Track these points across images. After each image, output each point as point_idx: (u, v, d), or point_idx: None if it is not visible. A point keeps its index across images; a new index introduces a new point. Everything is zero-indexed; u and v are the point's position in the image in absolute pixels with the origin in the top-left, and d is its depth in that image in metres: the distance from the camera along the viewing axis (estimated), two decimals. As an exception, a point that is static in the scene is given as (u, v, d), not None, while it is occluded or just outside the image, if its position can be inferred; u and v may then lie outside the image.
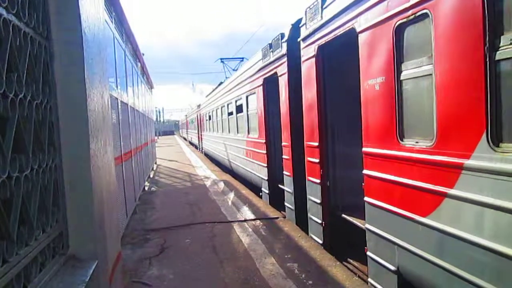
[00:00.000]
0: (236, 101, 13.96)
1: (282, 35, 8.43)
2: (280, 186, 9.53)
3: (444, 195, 3.53)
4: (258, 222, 8.96)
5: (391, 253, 4.51)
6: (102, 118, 3.25)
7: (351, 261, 6.51)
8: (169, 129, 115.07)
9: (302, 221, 8.08)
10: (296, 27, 7.69)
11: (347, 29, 5.32)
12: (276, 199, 10.16)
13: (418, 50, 3.94)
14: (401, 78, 4.18)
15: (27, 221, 2.13)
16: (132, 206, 10.04)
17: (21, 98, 2.10)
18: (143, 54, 15.77)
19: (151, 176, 18.16)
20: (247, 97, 12.22)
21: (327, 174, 6.81)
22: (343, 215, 6.38)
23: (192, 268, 6.36)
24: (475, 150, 3.16)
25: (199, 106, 32.24)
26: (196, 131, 35.79)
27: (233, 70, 27.05)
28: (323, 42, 6.23)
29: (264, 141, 10.41)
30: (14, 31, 2.05)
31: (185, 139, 62.48)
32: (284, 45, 8.25)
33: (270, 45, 9.21)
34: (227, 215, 9.73)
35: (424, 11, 3.69)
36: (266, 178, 10.57)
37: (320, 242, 6.99)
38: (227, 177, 16.54)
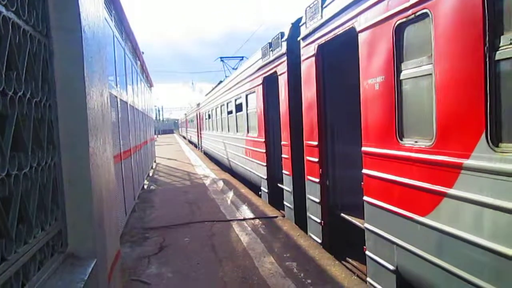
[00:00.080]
0: (235, 100, 13.96)
1: (282, 34, 8.43)
2: (279, 185, 9.54)
3: (443, 194, 3.53)
4: (257, 221, 8.96)
5: (390, 252, 4.51)
6: (102, 116, 3.25)
7: (350, 260, 6.52)
8: (169, 128, 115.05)
9: (301, 220, 8.08)
10: (296, 26, 7.69)
11: (347, 28, 5.32)
12: (275, 198, 10.16)
13: (418, 49, 3.94)
14: (401, 77, 4.18)
15: (26, 219, 2.13)
16: (131, 204, 10.05)
17: (21, 96, 2.09)
18: (142, 53, 15.77)
19: (151, 174, 18.16)
20: (246, 96, 12.22)
21: (327, 173, 6.81)
22: (342, 215, 6.38)
23: (191, 266, 6.36)
24: (475, 150, 3.16)
25: (198, 105, 32.23)
26: (196, 130, 35.79)
27: (233, 69, 27.04)
28: (323, 41, 6.22)
29: (263, 140, 10.41)
30: (13, 29, 2.05)
31: (184, 137, 62.47)
32: (284, 44, 8.24)
33: (270, 44, 9.21)
34: (226, 214, 9.74)
35: (424, 10, 3.69)
36: (265, 177, 10.57)
37: (319, 241, 7.00)
38: (227, 176, 16.54)
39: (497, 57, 2.96)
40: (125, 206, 8.51)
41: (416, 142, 3.98)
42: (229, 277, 5.85)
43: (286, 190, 8.93)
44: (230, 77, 16.88)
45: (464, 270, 3.34)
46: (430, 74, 3.68)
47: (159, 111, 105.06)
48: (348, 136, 6.77)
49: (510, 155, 2.88)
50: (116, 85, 8.13)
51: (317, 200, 6.91)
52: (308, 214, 7.46)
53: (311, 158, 7.05)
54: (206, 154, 27.61)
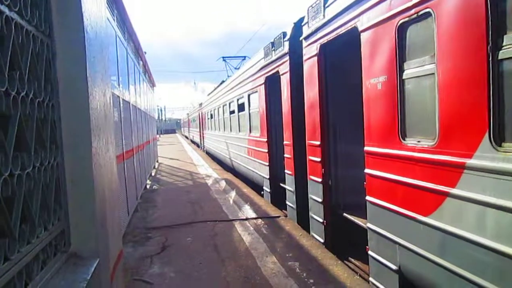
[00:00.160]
0: (238, 100, 13.96)
1: (284, 34, 8.42)
2: (282, 185, 9.53)
3: (446, 194, 3.52)
4: (259, 220, 8.97)
5: (392, 252, 4.51)
6: (104, 116, 3.26)
7: (352, 260, 6.51)
8: (171, 128, 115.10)
9: (303, 220, 8.07)
10: (298, 26, 7.68)
11: (350, 28, 5.31)
12: (278, 198, 10.16)
13: (421, 49, 3.93)
14: (404, 77, 4.18)
15: (29, 218, 2.13)
16: (134, 204, 10.06)
17: (23, 96, 2.10)
18: (145, 53, 15.79)
19: (153, 174, 18.19)
20: (249, 95, 12.22)
21: (329, 173, 6.80)
22: (345, 214, 6.37)
23: (194, 266, 6.36)
24: (478, 150, 3.15)
25: (200, 104, 32.26)
26: (198, 130, 35.82)
27: (235, 68, 27.04)
28: (325, 41, 6.22)
29: (265, 139, 10.41)
30: (16, 29, 2.05)
31: (186, 137, 62.53)
32: (286, 44, 8.24)
33: (272, 44, 9.20)
34: (228, 214, 9.74)
35: (427, 10, 3.68)
36: (268, 176, 10.57)
37: (322, 241, 6.99)
38: (229, 176, 16.55)
39: (500, 57, 2.95)
40: (127, 206, 8.52)
41: (418, 141, 3.97)
42: (232, 277, 5.85)
43: (289, 190, 8.93)
44: (232, 77, 16.88)
45: (467, 270, 3.33)
46: (433, 73, 3.67)
47: (161, 111, 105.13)
48: (350, 136, 6.76)
49: (513, 154, 2.87)
50: (119, 85, 8.14)
51: (320, 200, 6.90)
52: (310, 214, 7.46)
53: (314, 158, 7.05)
54: (208, 154, 27.63)
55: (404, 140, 4.20)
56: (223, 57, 30.15)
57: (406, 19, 4.03)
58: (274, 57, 9.12)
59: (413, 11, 3.89)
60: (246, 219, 9.17)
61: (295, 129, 8.27)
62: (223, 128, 18.33)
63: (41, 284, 2.14)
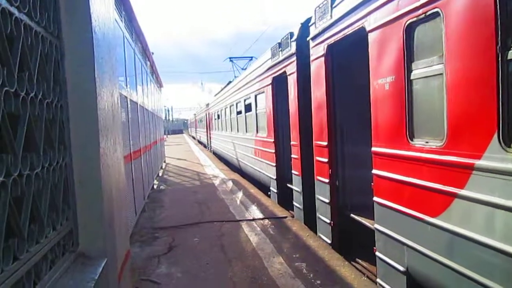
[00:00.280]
0: (245, 100, 13.97)
1: (291, 34, 8.41)
2: (289, 185, 9.52)
3: (455, 195, 3.50)
4: (266, 221, 8.96)
5: (400, 253, 4.48)
6: (112, 116, 3.27)
7: (359, 261, 6.48)
8: (178, 128, 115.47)
9: (310, 221, 8.06)
10: (305, 26, 7.67)
11: (357, 28, 5.29)
12: (285, 199, 10.15)
13: (429, 49, 3.91)
14: (411, 77, 4.15)
15: (37, 218, 2.15)
16: (141, 204, 10.10)
17: (32, 97, 2.12)
18: (152, 53, 15.84)
19: (160, 174, 18.24)
20: (255, 96, 12.22)
21: (336, 174, 6.78)
22: (352, 215, 6.35)
23: (201, 266, 6.37)
24: (486, 151, 3.12)
25: (207, 105, 32.32)
26: (205, 130, 35.88)
27: (242, 69, 27.07)
28: (333, 41, 6.20)
29: (272, 140, 10.40)
30: (25, 30, 2.07)
31: (193, 138, 62.66)
32: (293, 44, 8.23)
33: (279, 44, 9.20)
34: (235, 214, 9.75)
35: (435, 9, 3.66)
36: (275, 177, 10.56)
37: (329, 241, 6.97)
38: (236, 176, 16.56)
39: (509, 57, 2.92)
40: (135, 206, 8.56)
41: (426, 142, 3.95)
42: (238, 277, 5.86)
43: (296, 191, 8.91)
44: (239, 78, 16.89)
45: (475, 271, 3.31)
46: (441, 73, 3.64)
47: (168, 111, 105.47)
48: (357, 136, 6.73)
49: (523, 155, 2.84)
50: (126, 86, 8.18)
51: (327, 201, 6.88)
52: (317, 214, 7.44)
53: (321, 158, 7.03)
54: (215, 154, 27.67)
55: (412, 140, 4.18)
56: (230, 58, 30.19)
57: (414, 19, 4.00)
58: (281, 58, 9.12)
59: (421, 11, 3.87)
60: (253, 219, 9.17)
61: (302, 129, 8.26)
62: (230, 129, 18.35)
63: (49, 284, 2.16)
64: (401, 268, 4.49)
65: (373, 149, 5.00)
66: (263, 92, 11.12)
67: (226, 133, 19.91)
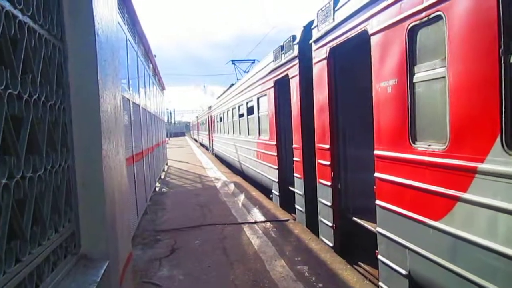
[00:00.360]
0: (247, 103, 13.98)
1: (294, 37, 8.43)
2: (291, 188, 9.51)
3: (457, 199, 3.49)
4: (268, 224, 8.95)
5: (402, 257, 4.47)
6: (114, 119, 3.28)
7: (361, 264, 6.47)
8: (180, 131, 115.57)
9: (312, 224, 8.05)
10: (307, 29, 7.69)
11: (359, 31, 5.29)
12: (287, 201, 10.14)
13: (432, 52, 3.91)
14: (414, 80, 4.15)
15: (40, 220, 2.15)
16: (143, 206, 10.10)
17: (35, 99, 2.12)
18: (155, 56, 15.87)
19: (162, 177, 18.25)
20: (258, 99, 12.23)
21: (338, 177, 6.78)
22: (354, 218, 6.34)
23: (202, 269, 6.37)
24: (489, 154, 3.11)
25: (210, 107, 32.35)
26: (207, 133, 35.91)
27: (244, 72, 27.13)
28: (335, 44, 6.21)
29: (274, 143, 10.40)
30: (29, 33, 2.08)
31: (196, 140, 62.71)
32: (296, 47, 8.24)
33: (282, 47, 9.21)
34: (237, 217, 9.74)
35: (438, 13, 3.66)
36: (277, 180, 10.56)
37: (331, 245, 6.96)
38: (238, 179, 16.55)
39: (512, 60, 2.92)
40: (137, 209, 8.56)
41: (429, 145, 3.94)
42: (240, 280, 5.85)
43: (298, 193, 8.90)
44: (241, 80, 16.92)
45: (478, 275, 3.29)
46: (444, 77, 3.64)
47: (171, 114, 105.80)
48: (360, 139, 6.73)
49: (526, 159, 2.83)
50: (129, 88, 8.19)
51: (329, 204, 6.87)
52: (319, 217, 7.43)
53: (323, 161, 7.02)
54: (217, 157, 27.68)
55: (415, 144, 4.17)
56: (232, 61, 30.29)
57: (417, 22, 4.01)
58: (283, 61, 9.12)
59: (423, 14, 3.87)
60: (255, 222, 9.16)
61: (304, 132, 8.26)
62: (232, 131, 18.36)
63: (51, 286, 2.16)
64: (403, 272, 4.47)
65: (376, 152, 5.00)
66: (265, 95, 11.13)
67: (228, 135, 19.92)
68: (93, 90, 2.71)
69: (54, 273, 2.25)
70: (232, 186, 14.66)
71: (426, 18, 3.85)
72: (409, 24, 4.12)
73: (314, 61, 7.19)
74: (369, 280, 5.74)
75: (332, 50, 6.43)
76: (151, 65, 15.04)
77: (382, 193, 4.93)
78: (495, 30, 3.00)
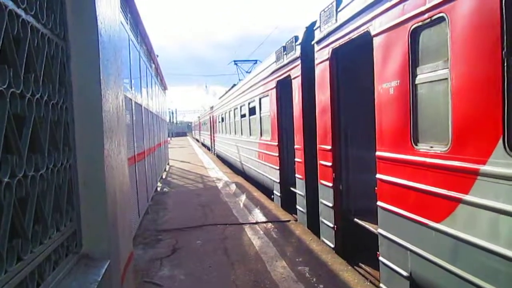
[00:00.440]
0: (249, 103, 13.99)
1: (296, 38, 8.43)
2: (292, 189, 9.51)
3: (459, 201, 3.48)
4: (269, 224, 8.95)
5: (403, 258, 4.46)
6: (117, 118, 3.28)
7: (362, 265, 6.46)
8: (182, 131, 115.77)
9: (313, 225, 8.04)
10: (310, 30, 7.68)
11: (362, 32, 5.29)
12: (288, 202, 10.14)
13: (434, 54, 3.90)
14: (416, 82, 4.15)
15: (41, 219, 2.15)
16: (145, 206, 10.11)
17: (38, 98, 2.12)
18: (157, 56, 15.89)
19: (164, 177, 18.27)
20: (260, 99, 12.23)
21: (340, 178, 6.77)
22: (355, 219, 6.33)
23: (203, 269, 6.37)
24: (491, 156, 3.11)
25: (212, 108, 32.38)
26: (209, 133, 35.94)
27: (247, 72, 27.14)
28: (337, 45, 6.20)
29: (276, 143, 10.40)
30: (32, 32, 2.08)
31: (197, 140, 62.75)
32: (298, 48, 8.24)
33: (284, 48, 9.21)
34: (238, 217, 9.74)
35: (441, 14, 3.65)
36: (278, 180, 10.55)
37: (332, 246, 6.95)
38: (239, 179, 16.56)
39: (515, 62, 2.91)
40: (138, 208, 8.57)
41: (431, 147, 3.93)
42: (241, 281, 5.85)
43: (299, 194, 8.90)
44: (243, 81, 16.92)
45: (480, 277, 3.29)
46: (446, 78, 3.63)
47: (172, 113, 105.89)
48: (361, 141, 6.73)
49: (528, 161, 2.83)
50: (131, 88, 8.21)
51: (330, 205, 6.87)
52: (321, 218, 7.42)
53: (324, 162, 7.02)
54: (219, 157, 27.69)
55: (417, 145, 4.17)
56: (234, 61, 30.31)
57: (419, 23, 4.00)
58: (285, 61, 9.12)
59: (426, 15, 3.87)
60: (256, 223, 9.16)
61: (306, 133, 8.25)
62: (234, 132, 18.37)
63: (52, 285, 2.16)
64: (405, 273, 4.46)
65: (377, 153, 4.99)
66: (267, 95, 11.13)
67: (230, 136, 19.93)
68: (96, 89, 2.71)
69: (56, 272, 2.25)
70: (233, 187, 14.66)
71: (428, 20, 3.85)
72: (412, 26, 4.11)
73: (316, 62, 7.19)
74: (370, 282, 5.74)
75: (335, 51, 6.43)
76: (153, 65, 15.05)
77: (383, 194, 4.92)
78: (498, 32, 3.00)
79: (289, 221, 9.17)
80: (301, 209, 8.82)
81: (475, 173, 3.27)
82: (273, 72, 10.31)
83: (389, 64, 4.61)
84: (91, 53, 2.70)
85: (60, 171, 2.42)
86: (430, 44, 3.99)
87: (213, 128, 30.87)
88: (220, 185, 15.40)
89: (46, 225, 2.18)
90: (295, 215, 9.42)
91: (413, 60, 4.18)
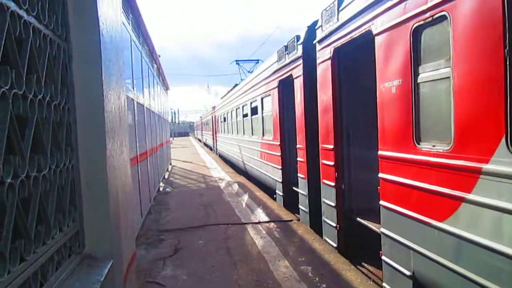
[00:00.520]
0: (251, 103, 13.98)
1: (298, 37, 8.42)
2: (295, 188, 9.50)
3: (462, 200, 3.48)
4: (272, 224, 8.95)
5: (406, 257, 4.46)
6: (119, 119, 3.29)
7: (365, 265, 6.45)
8: (184, 131, 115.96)
9: (316, 224, 8.03)
10: (312, 29, 7.67)
11: (364, 31, 5.28)
12: (290, 202, 10.13)
13: (436, 52, 3.90)
14: (418, 81, 4.14)
15: (44, 220, 2.16)
16: (147, 206, 10.12)
17: (40, 99, 2.13)
18: (159, 56, 15.90)
19: (166, 177, 18.29)
20: (262, 99, 12.23)
21: (342, 177, 6.76)
22: (358, 219, 6.33)
23: (206, 269, 6.37)
24: (494, 155, 3.10)
25: (214, 107, 32.39)
26: (211, 133, 35.95)
27: (248, 72, 27.13)
28: (339, 44, 6.20)
29: (278, 143, 10.39)
30: (34, 33, 2.08)
31: (199, 140, 62.78)
32: (300, 47, 8.23)
33: (286, 47, 9.20)
34: (241, 217, 9.74)
35: (443, 13, 3.65)
36: (281, 180, 10.55)
37: (334, 245, 6.95)
38: (242, 179, 16.55)
39: (517, 60, 2.90)
40: (141, 208, 8.58)
41: (433, 146, 3.93)
42: (244, 280, 5.85)
43: (301, 194, 8.89)
44: (245, 80, 16.92)
45: (483, 276, 3.28)
46: (448, 77, 3.63)
47: (175, 114, 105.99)
48: (364, 140, 6.72)
49: (531, 160, 2.82)
50: (133, 88, 8.21)
51: (333, 204, 6.86)
52: (323, 218, 7.42)
53: (327, 162, 7.01)
54: (221, 157, 27.70)
55: (419, 144, 4.16)
56: (236, 61, 30.32)
57: (421, 22, 3.99)
58: (287, 61, 9.12)
59: (428, 14, 3.86)
60: (259, 222, 9.16)
61: (308, 132, 8.25)
62: (236, 131, 18.37)
63: (55, 285, 2.16)
64: (407, 273, 4.46)
65: (380, 152, 4.98)
66: (269, 95, 11.13)
67: (232, 135, 19.93)
68: (98, 90, 2.72)
69: (58, 272, 2.26)
70: (236, 186, 14.66)
71: (430, 18, 3.84)
72: (414, 24, 4.10)
73: (318, 61, 7.18)
74: (373, 281, 5.73)
75: (336, 50, 6.42)
76: (155, 65, 15.06)
77: (386, 193, 4.91)
78: (500, 30, 2.99)
79: (291, 220, 9.17)
80: (303, 208, 8.82)
81: (478, 172, 3.26)
82: (275, 72, 10.31)
83: (391, 63, 4.61)
84: (93, 54, 2.71)
85: (62, 172, 2.42)
86: (432, 42, 3.98)
87: (215, 128, 30.88)
88: (222, 185, 15.40)
89: (49, 225, 2.19)
90: (297, 215, 9.42)
91: (415, 59, 4.17)
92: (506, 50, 2.95)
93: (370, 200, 5.89)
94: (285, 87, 9.79)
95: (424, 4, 3.90)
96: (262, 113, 12.33)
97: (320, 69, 7.12)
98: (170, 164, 23.48)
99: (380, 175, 5.00)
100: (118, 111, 3.25)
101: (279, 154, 10.43)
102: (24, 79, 1.94)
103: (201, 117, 60.26)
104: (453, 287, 3.71)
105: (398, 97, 4.48)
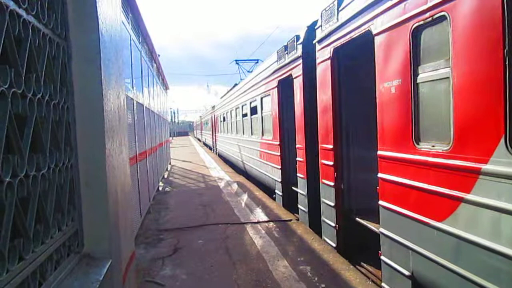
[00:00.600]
0: (250, 103, 13.98)
1: (298, 37, 8.41)
2: (294, 188, 9.50)
3: (461, 200, 3.48)
4: (271, 224, 8.95)
5: (405, 257, 4.46)
6: (118, 118, 3.29)
7: (364, 265, 6.45)
8: (184, 130, 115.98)
9: (315, 224, 8.04)
10: (311, 29, 7.67)
11: (363, 31, 5.28)
12: (290, 202, 10.14)
13: (436, 52, 3.90)
14: (418, 81, 4.14)
15: (43, 219, 2.16)
16: (146, 206, 10.12)
17: (39, 98, 2.13)
18: (158, 55, 15.89)
19: (165, 176, 18.27)
20: (261, 99, 12.23)
21: (341, 177, 6.76)
22: (357, 219, 6.33)
23: (205, 268, 6.37)
24: (493, 155, 3.10)
25: (213, 107, 32.39)
26: (210, 132, 35.95)
27: (248, 71, 27.14)
28: (339, 44, 6.20)
29: (278, 143, 10.39)
30: (33, 32, 2.08)
31: (199, 140, 62.78)
32: (299, 47, 8.23)
33: (285, 47, 9.20)
34: (240, 217, 9.74)
35: (442, 13, 3.65)
36: (280, 180, 10.55)
37: (334, 245, 6.95)
38: (241, 179, 16.55)
39: (517, 60, 2.90)
40: (140, 208, 8.57)
41: (433, 146, 3.93)
42: (243, 280, 5.85)
43: (301, 194, 8.89)
44: (245, 80, 16.92)
45: (482, 276, 3.28)
46: (448, 77, 3.63)
47: (174, 113, 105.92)
48: (363, 140, 6.72)
49: (530, 160, 2.82)
50: (133, 88, 8.21)
51: (332, 204, 6.86)
52: (322, 218, 7.42)
53: (326, 162, 7.01)
54: (220, 156, 27.70)
55: (418, 144, 4.16)
56: (236, 60, 30.33)
57: (421, 22, 3.99)
58: (287, 61, 9.12)
59: (427, 14, 3.86)
60: (258, 222, 9.16)
61: (308, 132, 8.25)
62: (235, 131, 18.37)
63: (54, 284, 2.16)
64: (406, 273, 4.46)
65: (379, 152, 4.99)
66: (268, 95, 11.13)
67: (231, 135, 19.93)
68: (97, 89, 2.72)
69: (57, 271, 2.26)
70: (235, 186, 14.66)
71: (430, 19, 3.84)
72: (413, 24, 4.10)
73: (317, 61, 7.18)
74: (372, 281, 5.73)
75: (336, 50, 6.42)
76: (155, 65, 15.06)
77: (385, 193, 4.91)
78: (499, 30, 2.99)
79: (290, 220, 9.17)
80: (302, 208, 8.82)
81: (477, 172, 3.26)
82: (274, 72, 10.31)
83: (391, 63, 4.61)
84: (92, 53, 2.71)
85: (61, 171, 2.42)
86: (431, 43, 3.98)
87: (215, 127, 30.88)
88: (221, 184, 15.40)
89: (48, 224, 2.19)
90: (296, 215, 9.42)
91: (415, 59, 4.17)
92: (505, 51, 2.95)
93: (369, 200, 5.89)
94: (285, 87, 9.79)
95: (423, 4, 3.90)
96: (262, 112, 12.33)
97: (319, 69, 7.12)
98: (170, 163, 23.47)
99: (379, 175, 5.00)
100: (117, 111, 3.25)
101: (279, 154, 10.43)
102: (23, 78, 1.94)
103: (200, 116, 60.26)
104: (451, 286, 3.72)
105: (398, 97, 4.49)
